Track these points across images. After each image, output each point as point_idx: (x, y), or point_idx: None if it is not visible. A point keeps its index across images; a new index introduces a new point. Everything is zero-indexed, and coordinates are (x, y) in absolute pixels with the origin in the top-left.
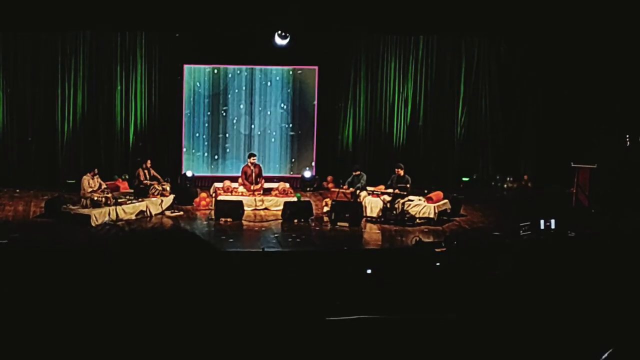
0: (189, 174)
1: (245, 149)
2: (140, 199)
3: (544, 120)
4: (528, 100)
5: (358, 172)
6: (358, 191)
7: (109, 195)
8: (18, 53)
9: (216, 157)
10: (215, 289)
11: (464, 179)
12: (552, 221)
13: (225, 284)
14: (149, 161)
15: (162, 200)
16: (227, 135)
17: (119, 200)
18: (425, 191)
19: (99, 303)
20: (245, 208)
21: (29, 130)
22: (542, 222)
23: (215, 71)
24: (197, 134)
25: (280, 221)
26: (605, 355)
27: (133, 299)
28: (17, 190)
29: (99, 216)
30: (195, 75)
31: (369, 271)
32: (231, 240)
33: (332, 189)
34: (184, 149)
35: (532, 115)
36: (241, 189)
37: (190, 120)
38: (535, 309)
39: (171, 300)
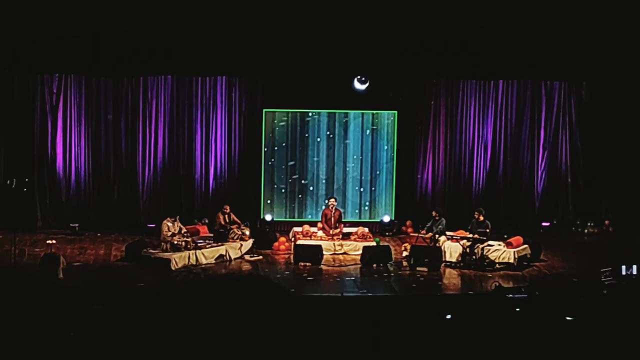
0: (268, 218)
1: (325, 194)
2: (219, 243)
3: (626, 165)
4: (609, 145)
5: (437, 216)
6: (437, 236)
7: (189, 239)
8: (100, 98)
9: (295, 201)
10: (290, 334)
11: (543, 224)
12: (634, 267)
13: (301, 329)
14: (227, 206)
15: (241, 245)
16: (306, 179)
17: (199, 244)
18: (505, 236)
19: (175, 346)
20: (324, 252)
21: (110, 174)
22: (623, 268)
23: (294, 115)
24: (277, 178)
25: (359, 266)
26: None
27: (209, 342)
28: (98, 234)
29: (179, 260)
30: (274, 120)
31: (448, 316)
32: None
33: (411, 234)
34: (263, 193)
35: (613, 160)
36: (320, 233)
37: (270, 164)
38: (617, 356)
39: (246, 345)
